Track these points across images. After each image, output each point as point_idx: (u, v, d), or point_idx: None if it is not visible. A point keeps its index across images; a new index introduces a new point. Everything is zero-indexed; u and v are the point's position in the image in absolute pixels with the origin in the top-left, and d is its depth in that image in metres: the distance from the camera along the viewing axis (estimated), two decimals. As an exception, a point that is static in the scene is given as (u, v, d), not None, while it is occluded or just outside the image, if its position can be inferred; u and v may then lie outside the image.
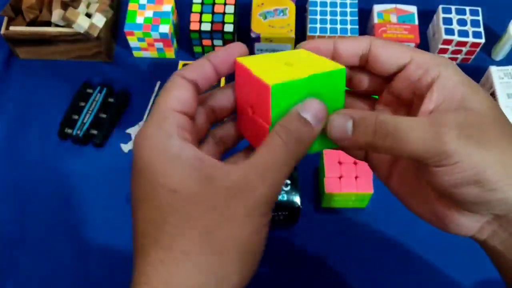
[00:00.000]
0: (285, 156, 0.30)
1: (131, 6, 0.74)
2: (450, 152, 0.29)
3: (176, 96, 0.32)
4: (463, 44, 0.72)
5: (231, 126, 0.37)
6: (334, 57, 0.35)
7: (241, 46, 0.35)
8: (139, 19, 0.73)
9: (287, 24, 0.73)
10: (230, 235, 0.29)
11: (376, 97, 0.38)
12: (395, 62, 0.34)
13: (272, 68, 0.32)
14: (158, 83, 0.74)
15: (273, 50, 0.74)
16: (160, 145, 0.31)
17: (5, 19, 0.73)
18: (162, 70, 0.76)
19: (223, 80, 0.70)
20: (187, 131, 0.32)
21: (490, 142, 0.30)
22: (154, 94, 0.74)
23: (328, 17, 0.74)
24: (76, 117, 0.71)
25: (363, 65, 0.35)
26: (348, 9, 0.75)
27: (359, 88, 0.37)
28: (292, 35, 0.72)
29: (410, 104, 0.35)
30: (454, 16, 0.73)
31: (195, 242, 0.29)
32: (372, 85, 0.36)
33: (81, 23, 0.70)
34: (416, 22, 0.74)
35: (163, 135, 0.31)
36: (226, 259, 0.30)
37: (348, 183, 0.61)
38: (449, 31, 0.72)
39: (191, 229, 0.29)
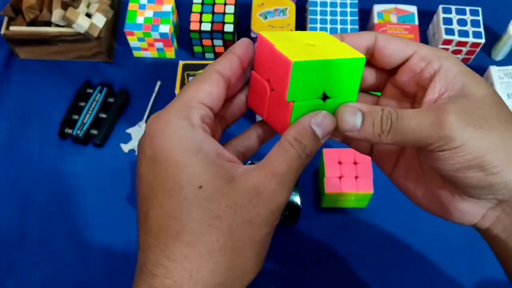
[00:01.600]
0: (298, 167, 0.32)
1: (131, 6, 0.74)
2: (452, 136, 0.30)
3: (208, 91, 0.32)
4: (463, 44, 0.72)
5: (251, 137, 0.37)
6: None
7: (250, 42, 0.35)
8: (139, 19, 0.73)
9: (287, 24, 0.73)
10: (250, 236, 0.30)
11: (379, 94, 0.38)
12: (400, 54, 0.35)
13: (294, 46, 0.33)
14: (158, 83, 0.74)
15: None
16: (183, 136, 0.31)
17: (5, 19, 0.73)
18: (162, 70, 0.76)
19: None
20: (209, 126, 0.33)
21: (490, 126, 0.31)
22: (154, 94, 0.74)
23: (328, 17, 0.74)
24: (76, 117, 0.71)
25: (368, 59, 0.36)
26: (348, 9, 0.75)
27: (363, 84, 0.37)
28: (292, 35, 0.72)
29: (413, 96, 0.36)
30: (454, 16, 0.73)
31: (219, 240, 0.30)
32: (375, 81, 0.37)
33: (81, 23, 0.70)
34: (416, 22, 0.74)
35: (187, 125, 0.31)
36: (245, 259, 0.31)
37: (348, 183, 0.61)
38: (449, 31, 0.72)
39: (217, 228, 0.30)
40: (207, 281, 0.29)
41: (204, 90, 0.32)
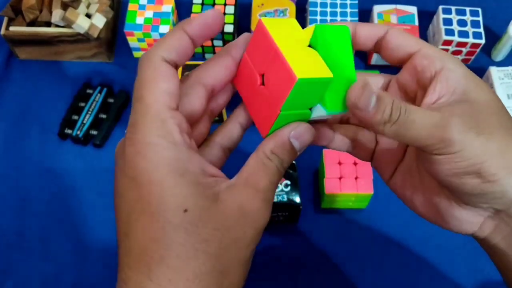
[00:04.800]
0: (277, 180, 0.32)
1: (131, 7, 0.74)
2: (453, 140, 0.30)
3: (165, 89, 0.29)
4: (463, 44, 0.72)
5: (234, 129, 0.35)
6: (352, 38, 0.35)
7: (219, 14, 0.31)
8: (139, 20, 0.73)
9: (287, 24, 0.73)
10: (237, 256, 0.30)
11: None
12: (404, 50, 0.34)
13: (297, 51, 0.31)
14: (158, 84, 0.74)
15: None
16: (167, 157, 0.29)
17: (5, 19, 0.73)
18: (162, 70, 0.76)
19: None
20: (187, 133, 0.31)
21: (491, 133, 0.30)
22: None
23: (328, 18, 0.74)
24: (76, 117, 0.71)
25: (377, 51, 0.35)
26: (348, 10, 0.75)
27: None
28: (292, 35, 0.72)
29: (414, 97, 0.35)
30: (454, 17, 0.73)
31: (207, 264, 0.29)
32: (379, 84, 0.37)
33: (81, 24, 0.70)
34: (416, 22, 0.74)
35: (169, 144, 0.29)
36: (231, 278, 0.30)
37: (348, 183, 0.61)
38: (449, 32, 0.72)
39: (204, 252, 0.29)
40: None
41: (161, 90, 0.29)
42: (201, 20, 0.31)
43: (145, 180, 0.29)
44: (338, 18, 0.74)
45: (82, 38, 0.72)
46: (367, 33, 0.35)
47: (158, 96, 0.29)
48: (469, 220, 0.33)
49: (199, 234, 0.29)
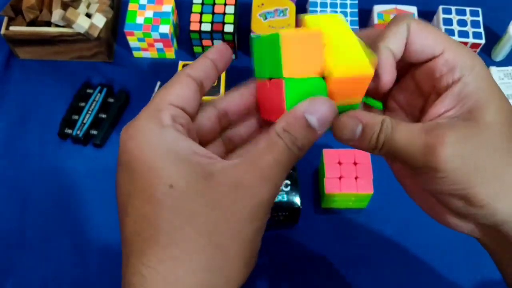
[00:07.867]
0: (287, 161, 0.30)
1: (131, 6, 0.74)
2: (438, 168, 0.29)
3: (176, 92, 0.31)
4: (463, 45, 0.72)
5: (241, 127, 0.36)
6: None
7: (226, 46, 0.35)
8: (139, 19, 0.73)
9: (287, 24, 0.73)
10: (233, 234, 0.28)
11: (380, 107, 0.37)
12: (427, 53, 0.32)
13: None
14: (158, 83, 0.74)
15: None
16: (152, 137, 0.29)
17: (5, 19, 0.73)
18: (162, 70, 0.76)
19: (223, 77, 0.70)
20: (183, 125, 0.31)
21: (484, 160, 0.30)
22: (154, 95, 0.74)
23: (328, 18, 0.74)
24: (76, 117, 0.71)
25: None
26: (348, 10, 0.75)
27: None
28: (292, 35, 0.72)
29: (427, 95, 0.34)
30: (454, 17, 0.73)
31: (196, 240, 0.28)
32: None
33: (81, 23, 0.70)
34: (416, 22, 0.74)
35: (156, 126, 0.30)
36: (229, 258, 0.29)
37: (348, 183, 0.61)
38: (449, 32, 0.72)
39: (192, 227, 0.28)
40: (185, 281, 0.28)
41: (172, 92, 0.31)
42: (217, 47, 0.34)
43: (136, 163, 0.29)
44: (338, 18, 0.74)
45: (82, 38, 0.72)
46: (398, 46, 0.32)
47: (166, 95, 0.31)
48: (459, 224, 0.34)
49: (188, 210, 0.28)
